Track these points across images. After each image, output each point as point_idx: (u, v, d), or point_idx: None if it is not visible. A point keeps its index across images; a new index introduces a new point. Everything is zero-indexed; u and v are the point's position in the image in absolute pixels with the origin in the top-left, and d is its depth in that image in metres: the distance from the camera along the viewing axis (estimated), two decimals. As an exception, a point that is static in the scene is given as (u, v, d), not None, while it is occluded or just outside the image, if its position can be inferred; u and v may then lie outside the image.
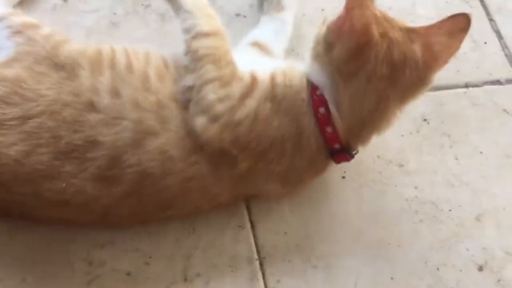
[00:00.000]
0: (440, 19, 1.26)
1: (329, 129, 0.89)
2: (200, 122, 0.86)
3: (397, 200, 1.05)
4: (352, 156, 0.95)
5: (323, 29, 0.89)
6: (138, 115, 0.84)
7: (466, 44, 1.25)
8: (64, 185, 0.82)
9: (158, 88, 0.87)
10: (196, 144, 0.86)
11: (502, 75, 1.24)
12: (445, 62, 0.90)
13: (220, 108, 0.86)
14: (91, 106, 0.84)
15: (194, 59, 0.89)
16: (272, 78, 0.90)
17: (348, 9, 0.83)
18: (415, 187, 1.07)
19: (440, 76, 1.19)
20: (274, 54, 1.06)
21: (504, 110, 1.19)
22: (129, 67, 0.88)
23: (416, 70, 0.87)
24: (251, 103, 0.87)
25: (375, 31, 0.85)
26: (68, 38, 0.92)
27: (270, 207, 1.01)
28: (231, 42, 0.95)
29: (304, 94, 0.90)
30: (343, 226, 1.02)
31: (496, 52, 1.27)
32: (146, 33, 1.15)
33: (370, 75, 0.86)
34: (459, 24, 0.88)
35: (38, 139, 0.81)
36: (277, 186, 0.94)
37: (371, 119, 0.90)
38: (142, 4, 1.18)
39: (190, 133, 0.86)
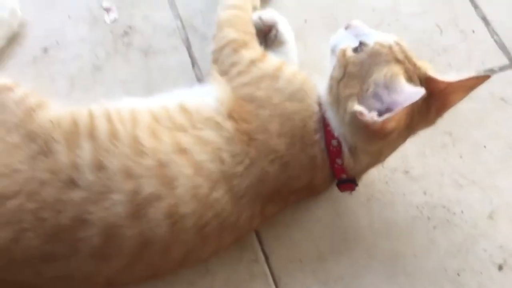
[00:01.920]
0: (424, 13, 1.26)
1: (339, 161, 0.90)
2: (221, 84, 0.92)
3: (408, 208, 1.04)
4: (356, 185, 0.95)
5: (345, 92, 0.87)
6: (132, 185, 0.78)
7: (454, 35, 1.24)
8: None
9: (155, 148, 0.82)
10: (215, 176, 0.83)
11: (494, 63, 1.22)
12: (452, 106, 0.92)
13: (233, 71, 0.93)
14: (72, 184, 0.77)
15: (218, 26, 1.01)
16: (281, 65, 0.93)
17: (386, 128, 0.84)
18: (424, 193, 1.06)
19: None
20: None
21: (502, 99, 1.18)
22: (113, 133, 0.82)
23: (427, 118, 0.91)
24: (255, 71, 0.92)
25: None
26: (44, 101, 0.87)
27: (280, 234, 1.00)
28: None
29: (315, 112, 0.90)
30: (357, 243, 1.01)
31: (485, 39, 1.25)
32: (131, 72, 1.12)
33: (390, 140, 0.88)
34: (478, 82, 0.89)
35: (21, 223, 0.76)
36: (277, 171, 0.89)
37: (381, 160, 0.96)
38: (123, 43, 1.16)
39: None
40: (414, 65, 0.87)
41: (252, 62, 0.94)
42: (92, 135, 0.82)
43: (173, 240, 0.82)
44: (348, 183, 0.94)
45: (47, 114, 0.85)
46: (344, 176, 0.92)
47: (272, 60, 0.95)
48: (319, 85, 0.93)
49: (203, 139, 0.85)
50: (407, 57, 0.86)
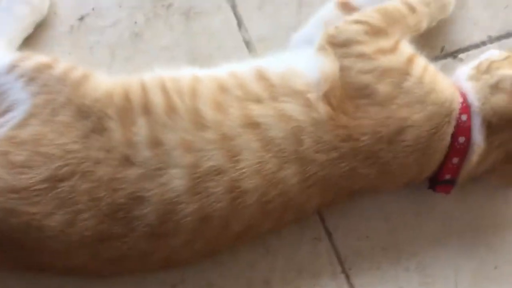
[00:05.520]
0: None
1: (455, 160, 0.83)
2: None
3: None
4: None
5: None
6: (192, 159, 0.75)
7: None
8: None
9: (219, 121, 0.77)
10: (288, 155, 0.77)
11: None
12: None
13: (354, 49, 0.81)
14: (127, 161, 0.75)
15: (377, 8, 0.86)
16: (413, 57, 0.82)
17: None
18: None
19: None
20: None
21: None
22: (170, 108, 0.77)
23: None
24: (383, 61, 0.80)
25: None
26: (88, 72, 0.82)
27: (345, 210, 0.91)
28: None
29: (454, 110, 0.82)
30: (430, 214, 0.93)
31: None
32: (173, 38, 1.04)
33: None
34: None
35: (76, 204, 0.74)
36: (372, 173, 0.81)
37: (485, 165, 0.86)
38: (163, 5, 1.07)
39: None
40: None
41: (381, 51, 0.81)
42: (147, 110, 0.78)
43: (233, 215, 0.78)
44: (449, 184, 0.86)
45: (96, 87, 0.80)
46: (448, 176, 0.84)
47: (404, 51, 0.83)
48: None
49: (283, 114, 0.78)
50: None
